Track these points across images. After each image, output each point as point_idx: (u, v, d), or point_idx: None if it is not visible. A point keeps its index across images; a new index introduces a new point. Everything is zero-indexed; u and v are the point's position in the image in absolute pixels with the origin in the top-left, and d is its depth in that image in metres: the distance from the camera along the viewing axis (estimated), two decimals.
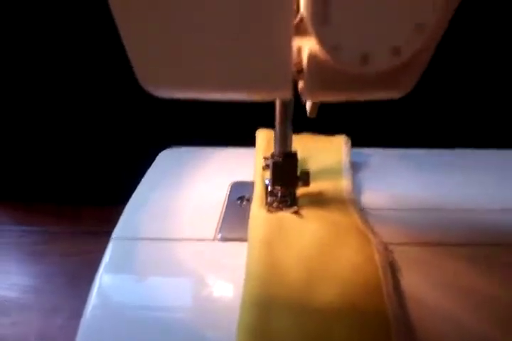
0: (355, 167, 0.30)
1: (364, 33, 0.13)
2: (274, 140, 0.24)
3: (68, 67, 0.39)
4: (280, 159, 0.24)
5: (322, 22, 0.13)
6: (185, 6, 0.14)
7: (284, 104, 0.24)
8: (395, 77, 0.16)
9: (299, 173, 0.26)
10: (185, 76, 0.16)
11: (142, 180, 0.30)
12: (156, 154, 0.33)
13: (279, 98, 0.22)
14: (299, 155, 0.28)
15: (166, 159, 0.32)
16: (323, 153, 0.30)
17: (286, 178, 0.25)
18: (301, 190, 0.26)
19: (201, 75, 0.16)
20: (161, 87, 0.16)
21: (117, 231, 0.24)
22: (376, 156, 0.31)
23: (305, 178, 0.26)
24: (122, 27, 0.15)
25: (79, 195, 0.42)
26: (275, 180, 0.24)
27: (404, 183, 0.28)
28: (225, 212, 0.26)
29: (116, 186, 0.35)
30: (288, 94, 0.17)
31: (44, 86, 0.40)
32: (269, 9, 0.14)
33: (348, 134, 0.32)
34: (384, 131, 0.35)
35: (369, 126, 0.36)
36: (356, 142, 0.32)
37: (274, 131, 0.24)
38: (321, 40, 0.13)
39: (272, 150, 0.25)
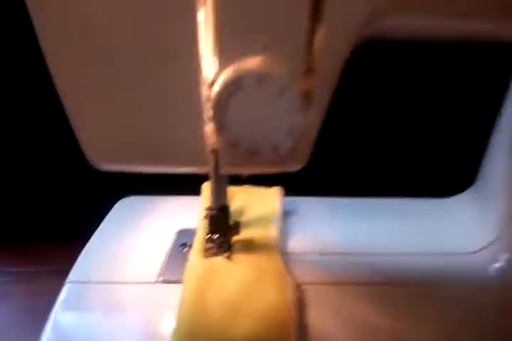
0: (288, 215, 0.35)
1: (252, 134, 0.18)
2: (210, 194, 0.29)
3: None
4: (215, 212, 0.28)
5: (221, 127, 0.18)
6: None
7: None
8: (288, 159, 0.21)
9: (231, 223, 0.31)
10: (119, 155, 0.21)
11: (99, 226, 0.34)
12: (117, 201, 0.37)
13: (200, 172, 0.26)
14: (238, 206, 0.33)
15: (123, 207, 0.36)
16: (259, 204, 0.34)
17: (220, 228, 0.29)
18: (236, 237, 0.31)
19: (133, 156, 0.21)
20: (101, 164, 0.21)
21: (71, 276, 0.28)
22: (307, 205, 0.36)
23: (236, 228, 0.31)
24: (68, 110, 0.20)
25: (42, 234, 0.44)
26: (211, 230, 0.29)
27: (325, 230, 0.33)
28: (169, 257, 0.30)
29: (81, 225, 0.38)
30: (206, 170, 0.21)
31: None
32: (185, 107, 0.19)
33: (285, 184, 0.37)
34: (318, 182, 0.40)
35: (305, 176, 0.40)
36: (292, 191, 0.37)
37: (210, 186, 0.29)
38: (221, 139, 0.18)
39: None
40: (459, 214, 0.35)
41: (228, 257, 0.29)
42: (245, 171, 0.23)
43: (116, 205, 0.36)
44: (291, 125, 0.18)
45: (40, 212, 0.46)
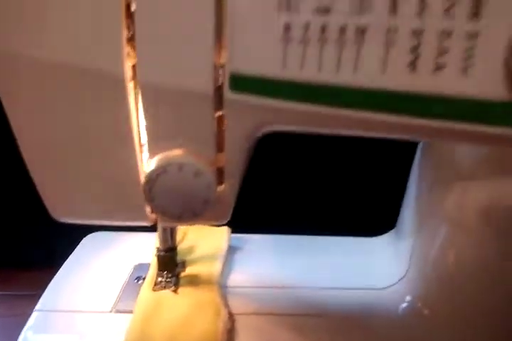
0: (234, 251, 0.40)
1: (175, 205, 0.23)
2: (158, 237, 0.34)
3: None
4: (162, 253, 0.33)
5: (151, 200, 0.23)
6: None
7: None
8: (212, 218, 0.27)
9: (180, 260, 0.36)
10: (76, 212, 0.26)
11: (67, 259, 0.39)
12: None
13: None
14: (189, 244, 0.39)
15: (90, 242, 0.41)
16: (207, 242, 0.40)
17: (168, 266, 0.34)
18: (183, 273, 0.36)
19: (89, 214, 0.26)
20: (61, 218, 0.26)
21: (39, 305, 0.33)
22: (252, 241, 0.42)
23: (184, 265, 0.36)
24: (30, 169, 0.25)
25: (12, 258, 0.48)
26: (159, 267, 0.34)
27: (263, 265, 0.38)
28: (124, 289, 0.35)
29: (51, 250, 0.42)
30: (147, 223, 0.27)
31: None
32: (127, 181, 0.24)
33: (235, 222, 0.42)
34: (265, 221, 0.46)
35: (252, 216, 0.46)
36: (242, 228, 0.42)
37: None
38: (152, 209, 0.24)
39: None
40: (380, 253, 0.40)
41: (174, 291, 0.34)
42: (180, 225, 0.28)
43: (84, 240, 0.41)
44: (206, 199, 0.23)
45: (11, 237, 0.50)
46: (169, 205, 0.23)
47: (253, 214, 0.46)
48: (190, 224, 0.29)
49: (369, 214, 0.49)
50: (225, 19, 0.20)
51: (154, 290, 0.34)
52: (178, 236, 0.40)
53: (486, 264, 0.31)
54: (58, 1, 0.20)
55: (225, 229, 0.41)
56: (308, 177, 0.48)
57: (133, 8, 0.20)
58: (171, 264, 0.34)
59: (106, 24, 0.20)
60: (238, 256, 0.39)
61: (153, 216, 0.26)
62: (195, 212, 0.24)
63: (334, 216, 0.48)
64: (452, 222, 0.32)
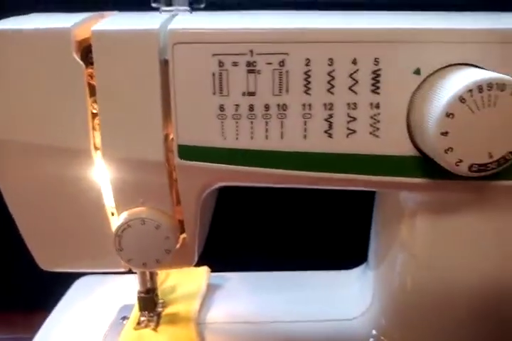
0: (213, 289, 0.43)
1: (140, 254, 0.27)
2: (138, 280, 0.37)
3: None
4: (142, 294, 0.37)
5: (119, 250, 0.27)
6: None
7: None
8: (179, 261, 0.30)
9: (162, 300, 0.39)
10: (59, 263, 0.30)
11: (59, 302, 0.42)
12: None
13: None
14: (171, 284, 0.42)
15: (80, 285, 0.44)
16: (188, 282, 0.43)
17: (149, 306, 0.37)
18: (164, 312, 0.39)
19: (71, 264, 0.30)
20: (47, 268, 0.30)
21: None
22: (231, 279, 0.45)
23: (165, 304, 0.39)
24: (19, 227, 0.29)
25: (8, 301, 0.51)
26: (140, 308, 0.37)
27: (241, 301, 0.41)
28: (110, 328, 0.38)
29: (46, 294, 0.46)
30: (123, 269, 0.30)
31: None
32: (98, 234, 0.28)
33: (216, 262, 0.46)
34: (245, 258, 0.49)
35: (233, 256, 0.49)
36: (220, 267, 0.45)
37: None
38: (121, 258, 0.27)
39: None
40: (351, 285, 0.43)
41: (154, 329, 0.37)
42: (155, 269, 0.32)
43: (75, 284, 0.45)
44: (167, 248, 0.27)
45: (6, 281, 0.53)
46: (135, 254, 0.27)
47: (233, 253, 0.49)
48: (158, 270, 0.33)
49: (346, 248, 0.52)
50: (172, 102, 0.24)
51: (135, 329, 0.37)
52: (161, 277, 0.43)
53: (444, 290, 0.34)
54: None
55: (205, 269, 0.44)
56: (287, 216, 0.52)
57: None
58: (150, 305, 0.37)
59: (72, 107, 0.25)
60: (217, 294, 0.43)
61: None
62: (158, 260, 0.27)
63: (313, 252, 0.52)
64: (406, 249, 0.35)
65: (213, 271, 0.46)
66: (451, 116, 0.21)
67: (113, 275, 0.46)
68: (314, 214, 0.51)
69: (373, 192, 0.41)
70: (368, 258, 0.43)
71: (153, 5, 0.31)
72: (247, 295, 0.43)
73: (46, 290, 0.47)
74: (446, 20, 0.26)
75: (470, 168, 0.22)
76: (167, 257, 0.27)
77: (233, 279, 0.45)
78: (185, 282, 0.43)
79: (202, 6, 0.32)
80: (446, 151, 0.22)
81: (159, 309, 0.39)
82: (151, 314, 0.38)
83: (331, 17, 0.27)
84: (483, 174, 0.23)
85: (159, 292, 0.40)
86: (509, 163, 0.22)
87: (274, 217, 0.52)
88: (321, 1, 0.37)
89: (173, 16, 0.27)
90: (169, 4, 0.32)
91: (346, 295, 0.42)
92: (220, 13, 0.29)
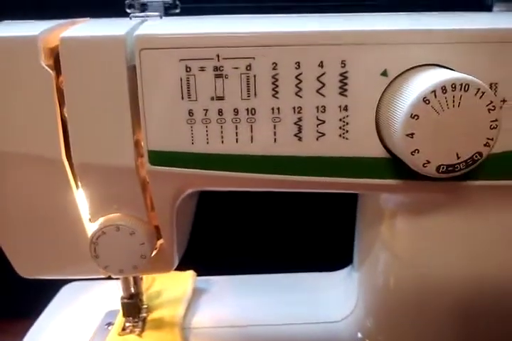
0: (199, 293, 0.43)
1: (117, 260, 0.27)
2: (121, 286, 0.37)
3: None
4: (125, 300, 0.37)
5: (95, 257, 0.27)
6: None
7: None
8: (157, 266, 0.30)
9: (147, 305, 0.39)
10: (38, 270, 0.30)
11: (46, 309, 0.42)
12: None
13: None
14: (157, 289, 0.42)
15: (67, 291, 0.44)
16: (174, 286, 0.43)
17: (132, 311, 0.37)
18: (149, 317, 0.39)
19: (48, 271, 0.30)
20: (25, 275, 0.30)
21: None
22: (217, 283, 0.45)
23: (150, 309, 0.39)
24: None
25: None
26: (124, 313, 0.37)
27: (226, 305, 0.41)
28: (95, 334, 0.38)
29: (33, 301, 0.46)
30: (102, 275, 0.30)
31: None
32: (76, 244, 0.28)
33: (199, 266, 0.45)
34: (231, 262, 0.49)
35: (219, 260, 0.49)
36: (206, 271, 0.45)
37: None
38: (98, 264, 0.27)
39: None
40: (337, 287, 0.43)
41: (139, 335, 0.37)
42: (133, 275, 0.32)
43: (62, 290, 0.45)
44: (143, 254, 0.27)
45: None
46: (112, 261, 0.27)
47: (218, 257, 0.49)
48: (136, 275, 0.33)
49: (333, 250, 0.52)
50: (141, 107, 0.24)
51: (120, 334, 0.37)
52: (147, 282, 0.43)
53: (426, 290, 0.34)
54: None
55: (191, 274, 0.44)
56: (272, 219, 0.52)
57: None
58: (134, 310, 0.37)
59: (43, 115, 0.25)
60: (203, 298, 0.42)
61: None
62: (135, 266, 0.27)
63: (299, 254, 0.52)
64: (387, 249, 0.35)
65: (199, 275, 0.46)
66: (416, 117, 0.21)
67: (99, 282, 0.46)
68: (300, 216, 0.51)
69: (357, 194, 0.41)
70: (353, 260, 0.43)
71: (128, 11, 0.31)
72: (232, 299, 0.43)
73: (33, 297, 0.47)
74: (412, 21, 0.26)
75: (438, 169, 0.22)
76: (144, 263, 0.27)
77: (218, 283, 0.45)
78: (170, 287, 0.43)
79: (177, 11, 0.33)
80: (412, 153, 0.22)
81: (144, 314, 0.39)
82: (136, 319, 0.38)
83: (300, 20, 0.27)
84: (452, 175, 0.22)
85: (145, 297, 0.40)
86: (477, 163, 0.22)
87: (259, 220, 0.52)
88: (295, 4, 0.38)
89: (143, 22, 0.27)
90: (144, 10, 0.32)
91: (331, 297, 0.42)
92: (190, 18, 0.29)
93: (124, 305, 0.37)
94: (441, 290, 0.32)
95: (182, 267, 0.47)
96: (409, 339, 0.35)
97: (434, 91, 0.21)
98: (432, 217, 0.30)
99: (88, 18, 0.29)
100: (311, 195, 0.50)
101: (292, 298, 0.42)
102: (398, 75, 0.24)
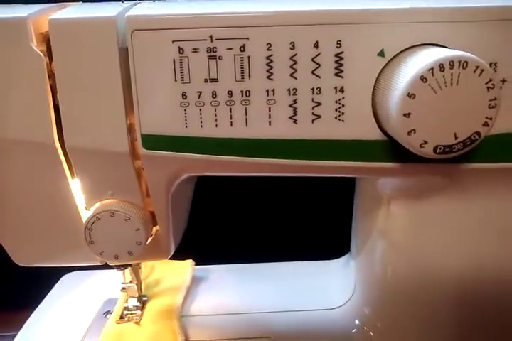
0: (197, 282, 0.43)
1: (112, 246, 0.27)
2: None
3: None
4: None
5: (90, 242, 0.27)
6: None
7: None
8: (153, 253, 0.30)
9: (145, 294, 0.39)
10: (34, 258, 0.30)
11: (46, 298, 0.42)
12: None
13: None
14: (156, 277, 0.42)
15: (67, 280, 0.44)
16: (172, 275, 0.43)
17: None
18: (147, 305, 0.39)
19: (44, 257, 0.29)
20: (22, 263, 0.30)
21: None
22: (215, 272, 0.45)
23: (149, 297, 0.39)
24: None
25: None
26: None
27: (225, 293, 0.41)
28: (93, 322, 0.38)
29: (34, 290, 0.46)
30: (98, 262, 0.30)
31: None
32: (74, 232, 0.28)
33: (198, 255, 0.45)
34: (230, 251, 0.49)
35: (216, 246, 0.49)
36: (205, 260, 0.45)
37: None
38: (93, 251, 0.27)
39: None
40: (335, 275, 0.43)
41: (137, 323, 0.37)
42: (128, 262, 0.32)
43: (62, 279, 0.45)
44: (138, 240, 0.27)
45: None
46: (107, 247, 0.27)
47: (217, 246, 0.49)
48: (132, 262, 0.33)
49: (333, 238, 0.52)
50: (133, 90, 0.24)
51: (118, 322, 0.37)
52: (146, 271, 0.43)
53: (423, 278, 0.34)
54: None
55: (189, 262, 0.44)
56: (271, 207, 0.52)
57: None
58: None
59: (34, 99, 0.25)
60: (202, 287, 0.42)
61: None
62: (130, 252, 0.27)
63: (300, 242, 0.51)
64: (384, 237, 0.35)
65: (198, 264, 0.46)
66: (412, 96, 0.21)
67: (100, 270, 0.46)
68: (299, 204, 0.51)
69: (355, 180, 0.41)
70: (351, 248, 0.43)
71: None
72: (231, 287, 0.43)
73: (35, 287, 0.47)
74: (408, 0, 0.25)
75: (435, 149, 0.22)
76: (139, 249, 0.27)
77: (217, 271, 0.45)
78: (169, 275, 0.43)
79: None
80: (409, 133, 0.21)
81: (143, 302, 0.39)
82: (135, 307, 0.38)
83: (294, 0, 0.27)
84: (449, 156, 0.22)
85: (143, 285, 0.40)
86: (476, 143, 0.22)
87: (257, 208, 0.51)
88: None
89: (136, 5, 0.27)
90: None
91: (329, 284, 0.42)
92: (184, 1, 0.28)
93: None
94: (438, 278, 0.32)
95: (181, 256, 0.47)
96: (406, 326, 0.35)
97: (431, 69, 0.20)
98: (429, 203, 0.29)
99: (80, 2, 0.29)
100: (310, 182, 0.50)
101: (290, 286, 0.42)
102: (395, 55, 0.23)
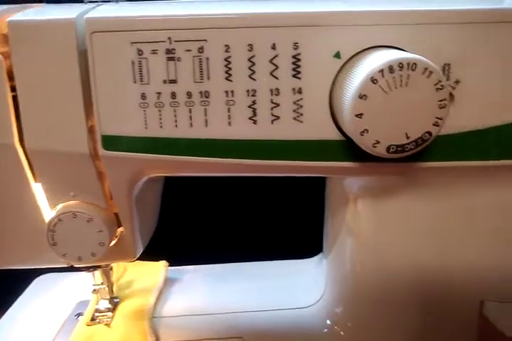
0: (171, 283, 0.43)
1: (75, 247, 0.27)
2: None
3: None
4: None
5: (52, 244, 0.27)
6: None
7: None
8: (119, 254, 0.30)
9: (117, 295, 0.39)
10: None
11: (18, 299, 0.42)
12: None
13: None
14: (129, 279, 0.42)
15: (40, 283, 0.44)
16: (145, 276, 0.43)
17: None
18: (119, 307, 0.39)
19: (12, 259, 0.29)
20: None
21: None
22: (188, 272, 0.45)
23: (121, 299, 0.39)
24: None
25: None
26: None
27: (197, 294, 0.41)
28: (64, 324, 0.38)
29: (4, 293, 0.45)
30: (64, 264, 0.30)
31: None
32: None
33: (171, 256, 0.45)
34: (203, 252, 0.49)
35: (189, 247, 0.49)
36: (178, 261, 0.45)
37: None
38: (56, 252, 0.27)
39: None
40: (308, 274, 0.44)
41: (107, 325, 0.37)
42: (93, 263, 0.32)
43: (35, 281, 0.44)
44: (101, 241, 0.27)
45: None
46: (70, 248, 0.27)
47: (189, 247, 0.49)
48: (96, 263, 0.33)
49: (306, 237, 0.52)
50: (93, 92, 0.24)
51: (88, 324, 0.36)
52: (118, 272, 0.43)
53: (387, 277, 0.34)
54: None
55: (162, 264, 0.44)
56: (244, 207, 0.52)
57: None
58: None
59: None
60: (174, 287, 0.42)
61: None
62: (94, 254, 0.27)
63: (274, 240, 0.52)
64: (353, 236, 0.35)
65: (172, 265, 0.46)
66: (364, 97, 0.21)
67: (74, 273, 0.46)
68: (273, 203, 0.51)
69: (325, 180, 0.41)
70: (323, 247, 0.43)
71: None
72: (204, 288, 0.43)
73: (7, 289, 0.47)
74: (364, 2, 0.26)
75: (388, 149, 0.22)
76: (102, 250, 0.27)
77: (190, 272, 0.45)
78: (142, 277, 0.43)
79: None
80: (362, 133, 0.22)
81: (115, 304, 0.39)
82: (106, 309, 0.38)
83: (251, 2, 0.27)
84: (402, 155, 0.23)
85: (115, 287, 0.40)
86: (427, 143, 0.22)
87: (230, 209, 0.52)
88: None
89: (97, 6, 0.27)
90: None
91: (302, 283, 0.42)
92: (146, 3, 0.29)
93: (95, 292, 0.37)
94: (402, 276, 0.32)
95: (155, 257, 0.47)
96: (376, 326, 0.35)
97: (381, 71, 0.21)
98: (393, 202, 0.30)
99: (43, 4, 0.29)
100: (284, 181, 0.50)
101: (263, 285, 0.42)
102: (351, 57, 0.24)
